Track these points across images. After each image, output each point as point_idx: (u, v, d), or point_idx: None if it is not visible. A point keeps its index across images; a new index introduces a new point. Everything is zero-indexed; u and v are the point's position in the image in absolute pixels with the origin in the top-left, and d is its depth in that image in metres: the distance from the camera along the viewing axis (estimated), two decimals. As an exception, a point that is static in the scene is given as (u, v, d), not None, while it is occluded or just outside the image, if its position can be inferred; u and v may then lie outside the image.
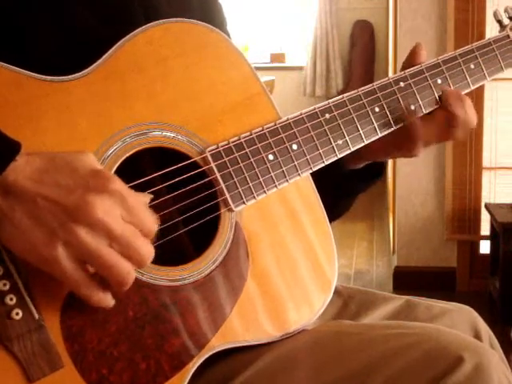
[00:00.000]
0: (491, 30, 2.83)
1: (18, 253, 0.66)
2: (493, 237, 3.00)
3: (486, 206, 3.06)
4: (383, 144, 0.99)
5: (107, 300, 0.69)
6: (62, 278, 0.66)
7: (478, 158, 3.13)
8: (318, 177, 0.92)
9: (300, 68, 6.10)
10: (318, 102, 0.93)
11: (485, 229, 3.15)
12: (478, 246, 3.25)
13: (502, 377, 0.74)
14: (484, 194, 3.20)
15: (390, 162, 3.30)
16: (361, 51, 5.89)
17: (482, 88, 2.97)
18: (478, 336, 0.96)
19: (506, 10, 1.13)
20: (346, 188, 1.05)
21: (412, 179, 3.20)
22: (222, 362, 0.81)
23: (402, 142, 0.99)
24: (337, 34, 5.93)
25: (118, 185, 0.66)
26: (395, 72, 1.02)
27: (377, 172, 1.06)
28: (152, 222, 0.69)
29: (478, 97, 2.97)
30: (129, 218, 0.66)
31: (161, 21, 0.83)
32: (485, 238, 3.15)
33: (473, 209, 3.15)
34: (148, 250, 0.68)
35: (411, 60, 1.02)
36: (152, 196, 0.73)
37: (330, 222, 0.97)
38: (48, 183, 0.65)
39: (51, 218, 0.64)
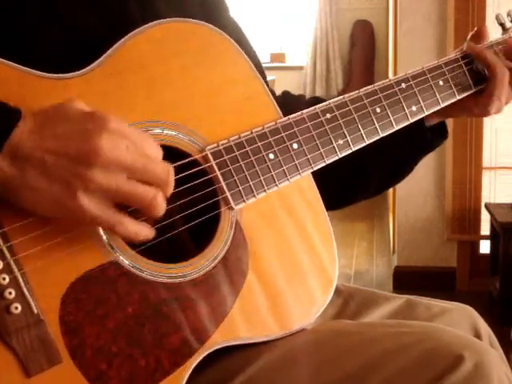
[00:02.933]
0: (492, 31, 2.81)
1: (45, 213, 0.67)
2: (493, 237, 2.99)
3: (486, 206, 3.05)
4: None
5: (145, 230, 0.71)
6: (95, 222, 0.68)
7: (478, 157, 3.12)
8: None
9: (300, 68, 6.09)
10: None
11: (485, 229, 3.14)
12: (478, 245, 3.25)
13: (502, 375, 0.75)
14: (484, 194, 3.19)
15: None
16: (361, 51, 5.89)
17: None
18: (477, 335, 0.96)
19: (508, 14, 1.14)
20: (421, 142, 1.07)
21: (412, 179, 3.17)
22: (221, 361, 0.81)
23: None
24: (337, 34, 5.93)
25: (115, 122, 0.68)
26: (395, 72, 1.03)
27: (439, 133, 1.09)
28: (156, 147, 0.71)
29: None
30: (134, 148, 0.68)
31: (162, 20, 0.83)
32: (485, 237, 3.15)
33: (473, 209, 3.15)
34: (164, 167, 0.71)
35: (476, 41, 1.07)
36: None
37: (394, 184, 1.06)
38: (49, 137, 0.66)
39: (63, 170, 0.66)
